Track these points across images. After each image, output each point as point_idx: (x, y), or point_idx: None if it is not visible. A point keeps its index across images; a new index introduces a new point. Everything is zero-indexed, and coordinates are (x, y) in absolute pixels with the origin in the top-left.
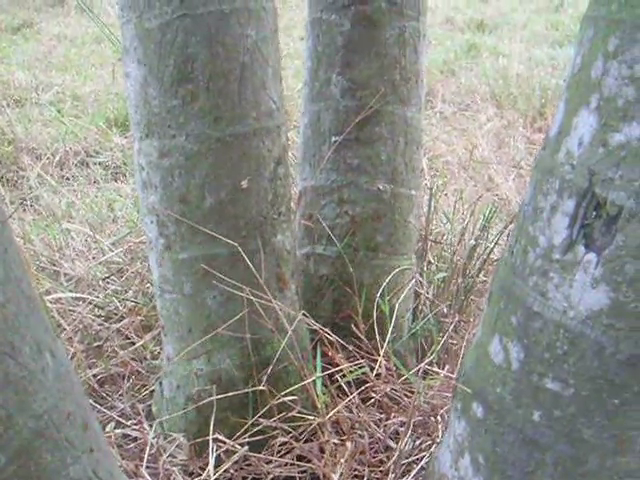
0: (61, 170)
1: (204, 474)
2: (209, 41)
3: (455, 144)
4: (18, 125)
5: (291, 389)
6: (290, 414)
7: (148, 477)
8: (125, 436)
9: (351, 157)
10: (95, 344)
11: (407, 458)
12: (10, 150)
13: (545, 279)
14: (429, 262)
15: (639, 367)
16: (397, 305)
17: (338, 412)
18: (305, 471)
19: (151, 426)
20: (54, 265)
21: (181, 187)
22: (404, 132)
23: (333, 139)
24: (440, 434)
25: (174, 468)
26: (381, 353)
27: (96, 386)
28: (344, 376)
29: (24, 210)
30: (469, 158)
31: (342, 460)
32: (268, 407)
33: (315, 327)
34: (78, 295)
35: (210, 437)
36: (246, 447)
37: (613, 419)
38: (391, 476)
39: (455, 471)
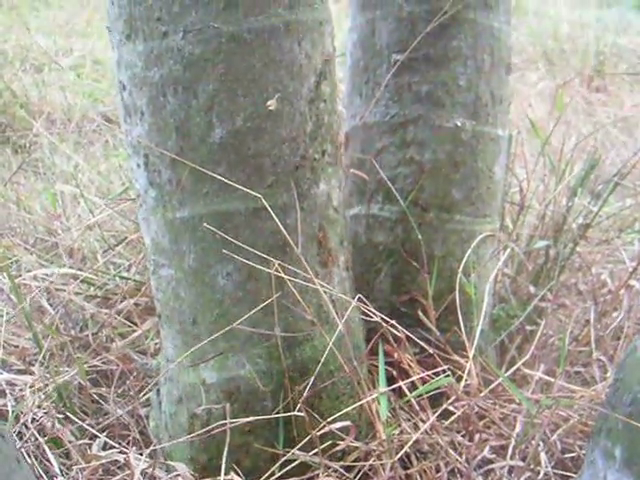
0: (79, 136)
1: None
2: None
3: None
4: (33, 89)
5: (342, 412)
6: (339, 446)
7: None
8: (115, 462)
9: (418, 83)
10: (87, 332)
11: None
12: (22, 115)
13: None
14: (505, 227)
15: None
16: (478, 285)
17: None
18: None
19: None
20: (52, 235)
21: (178, 111)
22: (490, 48)
23: (394, 58)
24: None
25: None
26: (470, 354)
27: (88, 384)
28: (414, 386)
29: (36, 178)
30: (525, 116)
31: None
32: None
33: (375, 317)
34: (68, 271)
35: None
36: None
37: None
38: None
39: None
